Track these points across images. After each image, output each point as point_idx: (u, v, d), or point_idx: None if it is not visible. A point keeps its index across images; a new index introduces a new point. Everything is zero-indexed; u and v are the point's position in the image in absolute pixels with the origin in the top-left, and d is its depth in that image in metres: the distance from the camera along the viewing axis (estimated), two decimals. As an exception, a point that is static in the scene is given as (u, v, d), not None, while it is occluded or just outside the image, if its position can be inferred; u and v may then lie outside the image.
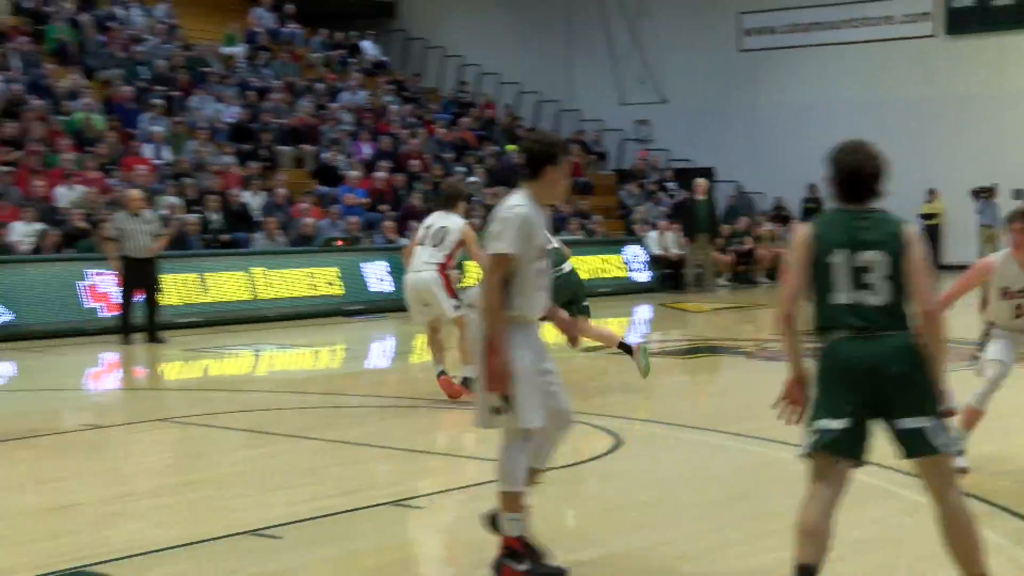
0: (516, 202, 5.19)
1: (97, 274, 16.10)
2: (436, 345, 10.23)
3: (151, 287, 15.13)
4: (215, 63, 24.96)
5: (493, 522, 5.34)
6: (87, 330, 15.68)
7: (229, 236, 18.91)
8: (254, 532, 6.01)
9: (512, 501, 5.15)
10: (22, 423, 9.70)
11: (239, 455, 8.40)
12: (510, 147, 24.72)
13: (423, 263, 9.98)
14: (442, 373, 10.09)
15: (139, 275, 14.98)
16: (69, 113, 20.68)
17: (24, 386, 12.59)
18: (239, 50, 26.14)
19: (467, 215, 10.91)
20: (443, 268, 9.96)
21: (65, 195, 18.06)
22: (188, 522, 6.34)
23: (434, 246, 9.97)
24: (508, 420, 5.09)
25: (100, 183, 18.73)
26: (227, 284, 17.56)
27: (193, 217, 18.56)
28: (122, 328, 14.99)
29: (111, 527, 6.23)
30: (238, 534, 6.00)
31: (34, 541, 6.02)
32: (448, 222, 10.04)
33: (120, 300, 15.22)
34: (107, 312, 15.97)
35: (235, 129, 22.68)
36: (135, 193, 15.47)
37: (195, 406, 10.41)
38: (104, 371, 13.91)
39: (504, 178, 22.88)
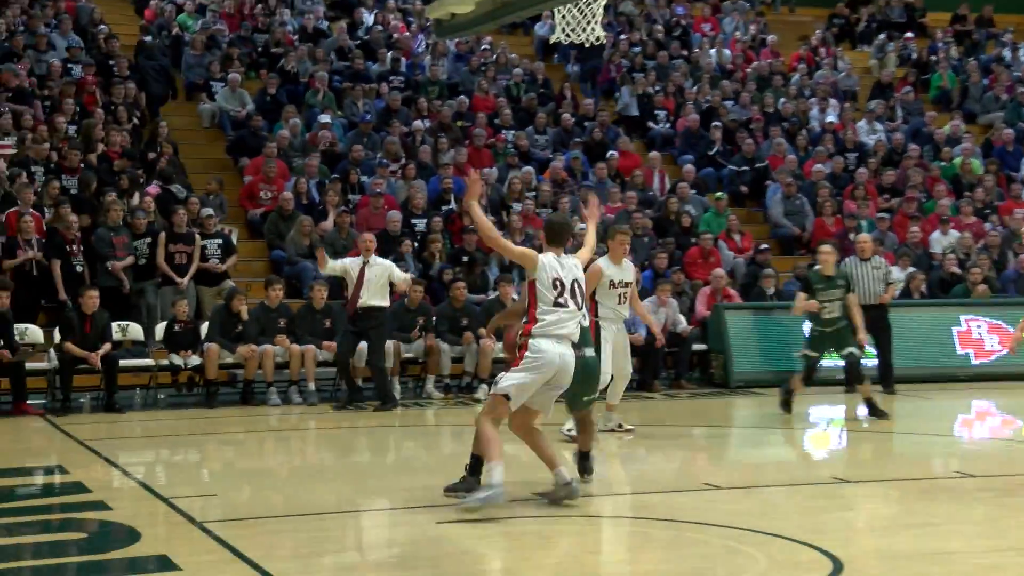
0: None
1: (970, 320, 15.93)
2: None
3: (881, 337, 14.24)
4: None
5: None
6: (958, 376, 15.55)
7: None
8: None
9: None
10: (891, 466, 9.82)
11: None
12: None
13: None
14: None
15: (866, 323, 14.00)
16: (948, 159, 20.70)
17: (892, 428, 12.76)
18: None
19: None
20: None
21: (939, 240, 18.08)
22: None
23: None
24: None
25: (976, 228, 18.46)
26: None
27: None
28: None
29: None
30: None
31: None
32: None
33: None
34: (977, 359, 15.75)
35: None
36: (863, 237, 14.53)
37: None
38: (974, 418, 13.63)
39: None
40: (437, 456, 10.92)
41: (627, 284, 10.67)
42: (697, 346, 15.51)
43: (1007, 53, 25.08)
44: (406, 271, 15.13)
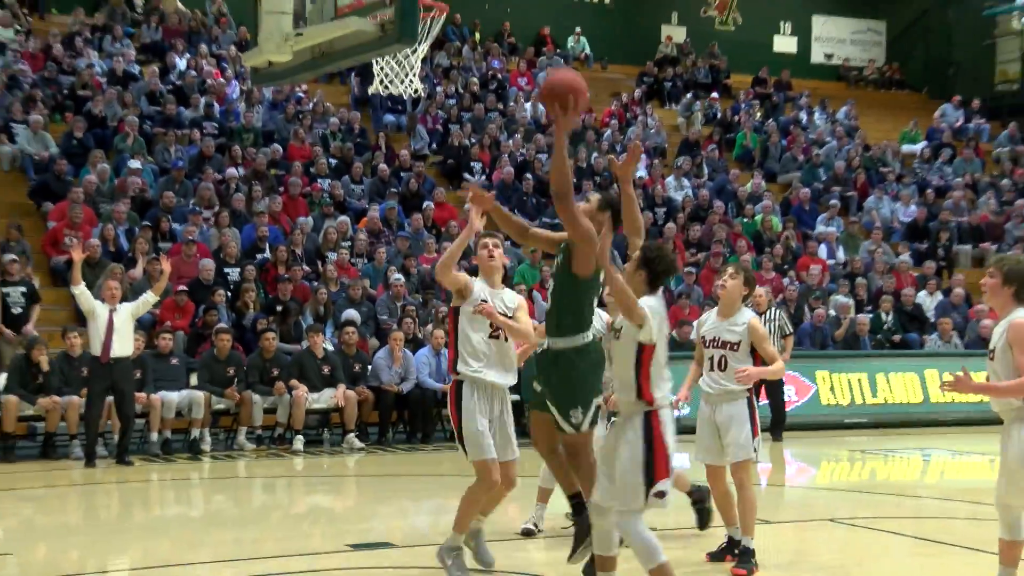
0: None
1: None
2: None
3: (772, 386, 14.85)
4: (893, 162, 24.97)
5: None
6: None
7: (901, 337, 18.66)
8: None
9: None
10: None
11: (908, 562, 8.22)
12: None
13: None
14: None
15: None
16: (750, 215, 21.70)
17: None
18: (919, 148, 25.96)
19: None
20: None
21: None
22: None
23: None
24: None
25: (775, 282, 19.39)
26: (898, 386, 17.36)
27: (865, 317, 18.58)
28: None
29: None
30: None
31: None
32: None
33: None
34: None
35: (911, 228, 22.46)
36: (759, 291, 15.29)
37: (861, 508, 10.35)
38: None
39: None
40: (247, 509, 10.88)
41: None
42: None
43: (803, 116, 26.53)
44: (218, 321, 15.03)
